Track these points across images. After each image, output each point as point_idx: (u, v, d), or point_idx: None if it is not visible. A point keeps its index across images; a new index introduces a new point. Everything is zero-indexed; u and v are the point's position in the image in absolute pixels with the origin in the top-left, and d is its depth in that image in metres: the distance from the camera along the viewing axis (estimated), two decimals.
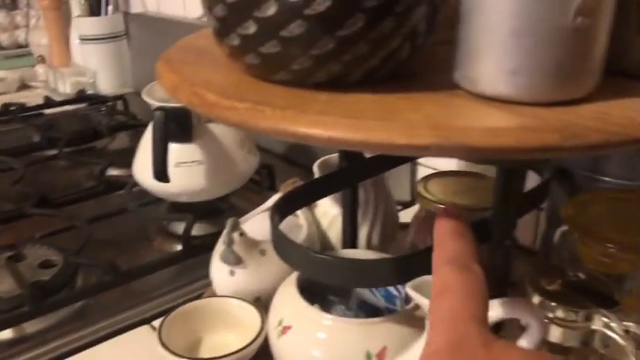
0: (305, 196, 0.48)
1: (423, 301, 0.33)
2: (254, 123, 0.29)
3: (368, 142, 0.27)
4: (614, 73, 0.30)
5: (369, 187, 0.59)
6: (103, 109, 1.21)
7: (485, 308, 0.25)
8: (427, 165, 0.82)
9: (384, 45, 0.29)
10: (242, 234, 0.52)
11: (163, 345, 0.45)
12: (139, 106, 1.24)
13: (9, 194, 0.84)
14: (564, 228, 0.44)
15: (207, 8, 0.31)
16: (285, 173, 0.86)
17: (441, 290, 0.26)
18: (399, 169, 0.83)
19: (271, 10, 0.28)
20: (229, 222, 0.51)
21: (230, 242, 0.51)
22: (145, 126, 1.07)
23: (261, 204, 0.60)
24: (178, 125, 0.70)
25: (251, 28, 0.30)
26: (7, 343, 0.60)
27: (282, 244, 0.41)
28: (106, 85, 1.38)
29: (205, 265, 0.71)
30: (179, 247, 0.73)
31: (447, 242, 0.28)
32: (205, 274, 0.69)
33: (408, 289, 0.34)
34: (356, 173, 0.52)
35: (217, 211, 0.80)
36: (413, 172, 0.86)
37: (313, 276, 0.43)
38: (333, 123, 0.27)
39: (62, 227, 0.75)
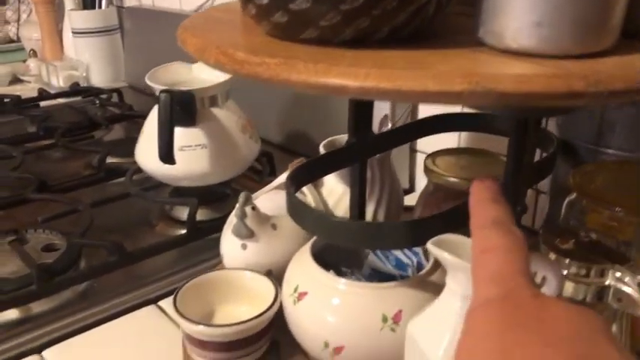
0: (318, 169, 0.49)
1: (444, 256, 0.34)
2: (286, 77, 0.30)
3: (401, 90, 0.27)
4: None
5: (375, 166, 0.60)
6: (97, 102, 1.20)
7: (529, 267, 0.26)
8: (426, 152, 0.83)
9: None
10: (254, 208, 0.52)
11: (179, 313, 0.45)
12: (134, 98, 1.24)
13: (8, 181, 0.84)
14: (572, 196, 0.45)
15: None
16: (283, 162, 0.87)
17: (484, 249, 0.27)
18: (399, 157, 0.85)
19: None
20: (242, 196, 0.52)
21: (243, 216, 0.51)
22: (142, 117, 1.08)
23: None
24: (183, 109, 0.70)
25: None
26: (14, 323, 0.60)
27: (299, 210, 0.42)
28: (98, 78, 1.37)
29: (209, 248, 0.71)
30: (181, 232, 0.74)
31: (486, 207, 0.29)
32: (210, 257, 0.70)
33: (429, 245, 0.35)
34: (365, 149, 0.52)
35: (219, 197, 0.80)
36: (412, 160, 0.87)
37: (330, 239, 0.43)
38: (365, 74, 0.28)
39: (64, 211, 0.75)
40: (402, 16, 0.30)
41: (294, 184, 0.45)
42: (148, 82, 0.74)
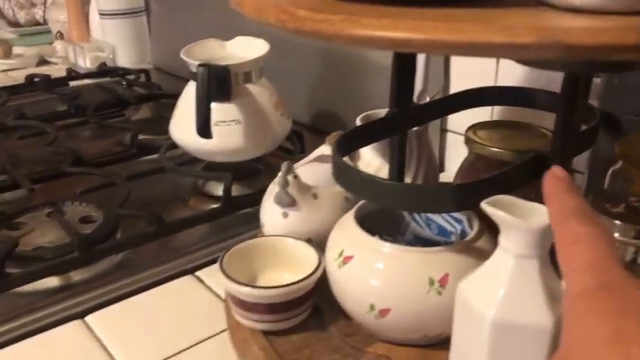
0: (361, 138, 0.50)
1: (499, 214, 0.34)
2: (350, 32, 0.31)
3: (469, 43, 0.28)
4: None
5: (413, 140, 0.60)
6: (124, 82, 1.22)
7: (620, 259, 0.27)
8: (456, 131, 0.84)
9: None
10: (296, 177, 0.53)
11: (226, 275, 0.46)
12: (161, 80, 1.25)
13: (44, 156, 0.85)
14: (616, 166, 0.45)
15: None
16: (312, 141, 0.88)
17: (572, 240, 0.27)
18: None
19: None
20: (284, 165, 0.52)
21: (285, 184, 0.52)
22: (170, 97, 1.09)
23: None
24: (218, 84, 0.71)
25: None
26: (56, 290, 0.61)
27: (346, 172, 0.43)
28: (124, 60, 1.38)
29: (242, 222, 0.72)
30: (215, 206, 0.74)
31: (564, 198, 0.30)
32: (243, 231, 0.70)
33: (484, 204, 0.35)
34: (406, 120, 0.53)
35: (251, 173, 0.81)
36: (442, 140, 0.87)
37: (379, 202, 0.44)
38: (432, 27, 0.29)
39: (101, 184, 0.76)
40: None
41: (340, 149, 0.46)
42: (184, 58, 0.74)
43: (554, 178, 0.31)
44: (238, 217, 0.74)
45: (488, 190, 0.39)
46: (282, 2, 0.35)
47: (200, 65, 0.69)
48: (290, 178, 0.52)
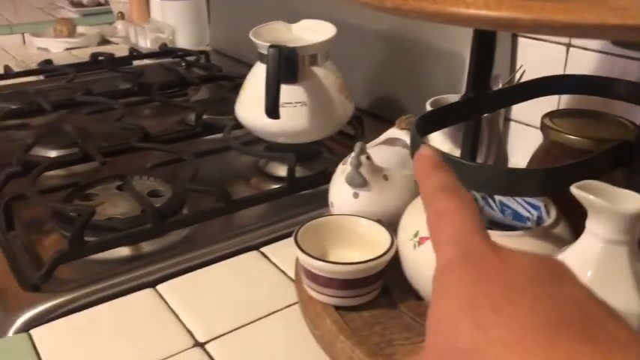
0: (438, 120, 0.50)
1: (589, 198, 0.34)
2: (454, 10, 0.31)
3: (580, 23, 0.28)
4: None
5: (484, 127, 0.60)
6: (184, 63, 1.24)
7: (484, 227, 0.27)
8: (520, 121, 0.83)
9: None
10: (368, 157, 0.54)
11: (301, 249, 0.48)
12: (220, 61, 1.28)
13: (113, 131, 0.88)
14: None
15: None
16: (371, 127, 0.88)
17: (439, 215, 0.27)
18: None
19: None
20: (357, 145, 0.53)
21: (358, 165, 0.53)
22: (230, 79, 1.11)
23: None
24: (286, 66, 0.72)
25: None
26: (128, 259, 0.64)
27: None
28: (184, 41, 1.41)
29: (307, 202, 0.74)
30: (279, 186, 0.76)
31: (430, 177, 0.29)
32: (306, 210, 0.72)
33: (574, 188, 0.35)
34: (482, 104, 0.53)
35: (312, 155, 0.82)
36: (505, 131, 0.86)
37: (464, 185, 0.44)
38: (540, 7, 0.29)
39: (170, 159, 0.79)
40: None
41: (419, 131, 0.46)
42: (253, 39, 0.76)
43: (420, 157, 0.30)
44: (300, 198, 0.75)
45: (576, 174, 0.39)
46: None
47: (271, 46, 0.70)
48: (363, 158, 0.53)
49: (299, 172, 0.78)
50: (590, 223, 0.36)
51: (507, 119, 0.85)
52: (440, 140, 0.61)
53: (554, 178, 0.40)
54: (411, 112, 0.66)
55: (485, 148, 0.60)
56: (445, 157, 0.43)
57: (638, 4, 0.28)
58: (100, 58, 1.21)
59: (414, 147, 0.45)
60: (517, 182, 0.40)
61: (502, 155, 0.62)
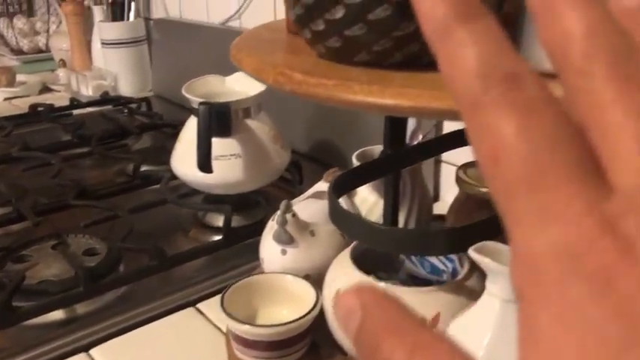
0: (356, 179, 0.52)
1: (486, 261, 0.37)
2: (343, 97, 0.33)
3: (453, 110, 0.30)
4: None
5: (407, 177, 0.63)
6: (126, 110, 1.24)
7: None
8: (450, 162, 0.86)
9: None
10: (294, 215, 0.55)
11: (227, 313, 0.48)
12: (162, 108, 1.28)
13: (49, 187, 0.87)
14: None
15: (289, 6, 0.35)
16: (311, 171, 0.90)
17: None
18: (424, 167, 0.87)
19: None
20: (283, 204, 0.55)
21: (284, 222, 0.54)
22: (171, 126, 1.12)
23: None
24: (219, 121, 0.74)
25: (339, 13, 0.33)
26: (61, 323, 0.63)
27: (341, 216, 0.45)
28: (126, 88, 1.41)
29: (244, 253, 0.74)
30: (216, 238, 0.77)
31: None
32: (244, 262, 0.73)
33: (471, 251, 0.37)
34: (399, 160, 0.55)
35: (251, 204, 0.83)
36: (437, 170, 0.89)
37: (375, 246, 0.46)
38: (417, 94, 0.31)
39: (105, 217, 0.79)
40: None
41: (336, 192, 0.48)
42: (185, 94, 0.77)
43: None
44: (239, 248, 0.76)
45: (479, 233, 0.41)
46: (279, 63, 0.38)
47: (201, 103, 0.71)
48: (288, 216, 0.55)
49: (237, 221, 0.79)
50: (489, 284, 0.38)
51: (438, 161, 0.89)
52: (366, 192, 0.63)
53: (458, 239, 0.42)
54: (349, 155, 0.68)
55: (408, 198, 0.63)
56: (350, 216, 0.45)
57: None
58: (40, 108, 1.20)
59: (332, 210, 0.46)
60: (425, 243, 0.42)
61: (426, 203, 0.65)
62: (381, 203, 0.61)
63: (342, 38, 0.35)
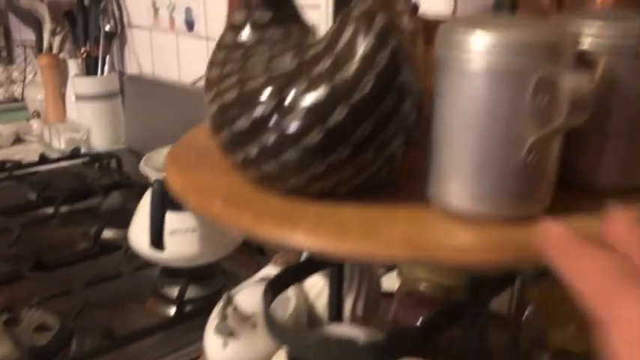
0: (295, 275, 0.53)
1: None
2: (256, 233, 0.34)
3: (354, 253, 0.31)
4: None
5: (354, 268, 0.63)
6: (97, 165, 1.25)
7: None
8: None
9: (367, 169, 0.33)
10: (235, 308, 0.55)
11: None
12: (132, 164, 1.29)
13: (6, 255, 0.87)
14: (531, 308, 0.48)
15: (216, 131, 0.36)
16: None
17: None
18: None
19: (271, 138, 0.33)
20: (224, 297, 0.55)
21: (224, 317, 0.54)
22: (138, 186, 1.12)
23: (251, 267, 0.63)
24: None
25: (253, 152, 0.34)
26: None
27: (273, 324, 0.45)
28: (99, 141, 1.42)
29: (198, 327, 0.74)
30: (172, 309, 0.77)
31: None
32: (198, 338, 0.72)
33: None
34: None
35: (210, 275, 0.83)
36: None
37: (302, 355, 0.46)
38: (323, 237, 0.32)
39: (59, 291, 0.78)
40: (358, 180, 0.34)
41: (271, 293, 0.48)
42: (143, 167, 0.78)
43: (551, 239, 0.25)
44: (193, 324, 0.75)
45: (408, 342, 0.42)
46: (202, 186, 0.39)
47: (155, 181, 0.72)
48: (229, 310, 0.55)
49: (194, 292, 0.80)
50: None
51: None
52: (315, 277, 0.64)
53: (389, 349, 0.42)
54: None
55: (357, 280, 0.63)
56: (279, 325, 0.45)
57: (405, 237, 0.31)
58: (8, 165, 1.20)
59: (265, 315, 0.46)
60: (347, 355, 0.42)
61: (374, 283, 0.65)
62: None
63: (260, 172, 0.35)
